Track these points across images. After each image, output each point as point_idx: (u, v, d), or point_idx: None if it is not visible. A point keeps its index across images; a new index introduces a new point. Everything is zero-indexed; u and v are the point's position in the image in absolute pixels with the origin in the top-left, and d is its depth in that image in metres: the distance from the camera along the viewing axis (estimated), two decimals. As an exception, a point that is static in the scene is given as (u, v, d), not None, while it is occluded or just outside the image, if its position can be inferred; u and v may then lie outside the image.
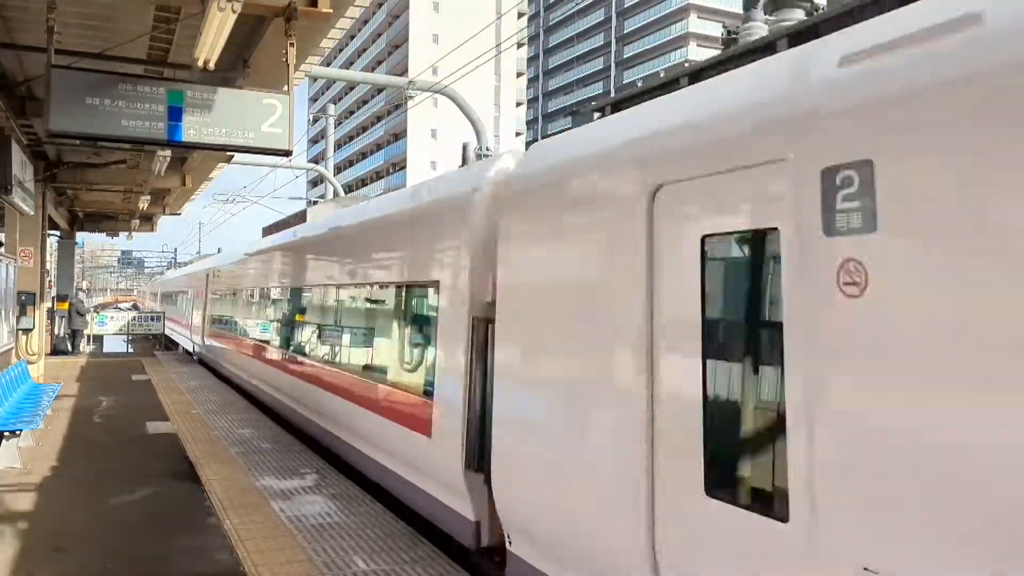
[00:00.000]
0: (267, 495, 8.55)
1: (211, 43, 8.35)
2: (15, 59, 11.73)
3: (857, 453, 3.05)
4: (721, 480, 3.80)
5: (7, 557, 6.53)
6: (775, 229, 3.53)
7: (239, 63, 11.11)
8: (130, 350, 30.95)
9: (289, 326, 13.24)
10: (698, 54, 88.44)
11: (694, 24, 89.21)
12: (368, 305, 9.30)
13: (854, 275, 3.14)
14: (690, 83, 4.99)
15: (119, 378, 19.68)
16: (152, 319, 31.42)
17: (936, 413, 2.77)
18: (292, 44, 9.16)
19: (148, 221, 32.50)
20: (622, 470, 4.40)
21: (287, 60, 9.23)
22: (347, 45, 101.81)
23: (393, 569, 6.32)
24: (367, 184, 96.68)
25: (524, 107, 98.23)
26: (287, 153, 9.54)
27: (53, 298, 28.17)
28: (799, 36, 4.20)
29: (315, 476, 9.45)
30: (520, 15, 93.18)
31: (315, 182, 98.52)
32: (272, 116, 9.19)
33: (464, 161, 10.55)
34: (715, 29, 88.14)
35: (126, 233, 36.89)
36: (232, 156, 17.97)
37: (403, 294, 8.28)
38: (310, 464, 10.12)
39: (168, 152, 14.86)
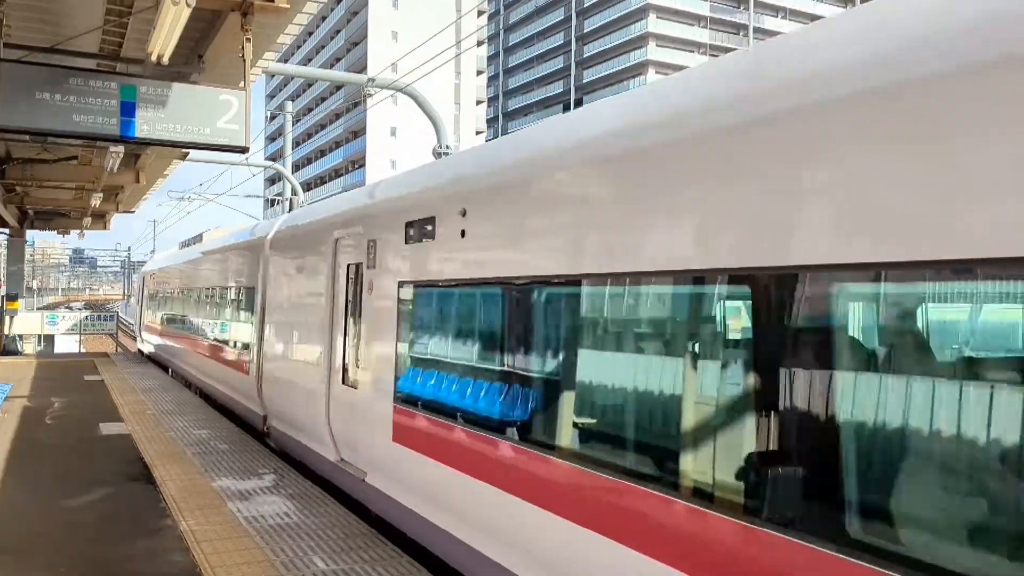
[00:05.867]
0: (224, 496, 8.45)
1: (165, 37, 8.21)
2: (-39, 52, 11.42)
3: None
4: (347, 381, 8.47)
5: (-46, 563, 6.37)
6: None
7: (194, 58, 10.95)
8: (82, 350, 30.36)
9: None
10: (658, 54, 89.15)
11: (653, 24, 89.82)
12: None
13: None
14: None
15: (71, 378, 19.28)
16: (104, 319, 30.80)
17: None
18: (248, 39, 9.06)
19: (101, 219, 31.84)
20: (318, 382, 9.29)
21: (243, 56, 9.13)
22: (305, 41, 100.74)
23: (353, 569, 6.29)
24: (326, 182, 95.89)
25: (484, 105, 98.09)
26: (244, 150, 9.44)
27: (3, 297, 27.52)
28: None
29: (273, 476, 9.36)
30: (480, 13, 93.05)
31: (273, 180, 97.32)
32: (228, 112, 9.07)
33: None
34: (674, 29, 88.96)
35: (78, 231, 36.09)
36: (187, 153, 17.71)
37: None
38: (268, 464, 10.02)
39: (121, 148, 14.57)
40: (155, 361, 24.29)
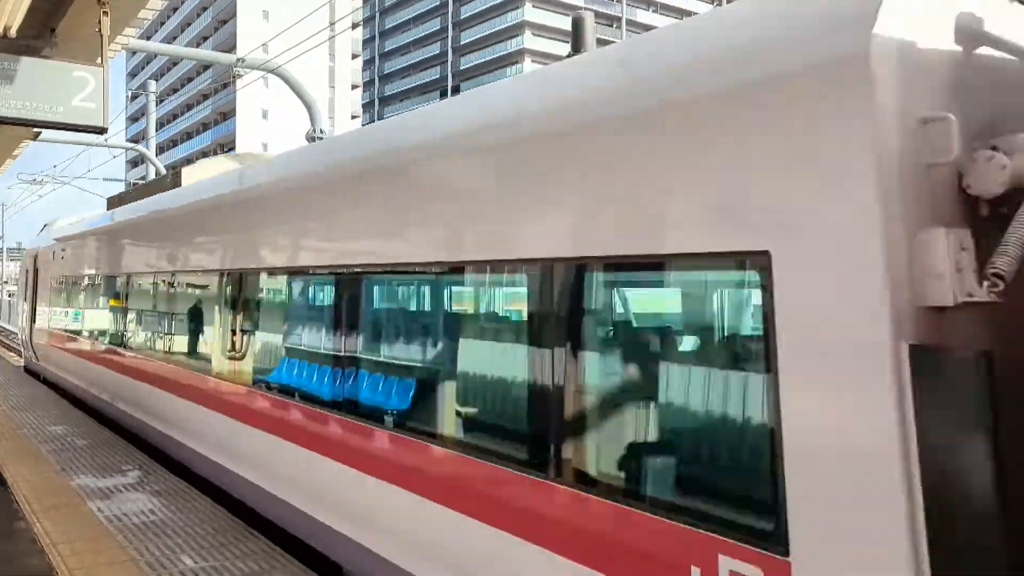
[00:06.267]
0: (83, 494, 8.03)
1: (12, 8, 7.68)
2: None
3: None
4: None
5: None
6: None
7: (46, 31, 10.25)
8: (-79, 344, 28.24)
9: None
10: (533, 43, 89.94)
11: (529, 13, 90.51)
12: None
13: None
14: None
15: (-92, 375, 17.86)
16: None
17: None
18: (105, 13, 8.57)
19: (-59, 202, 29.56)
20: None
21: (100, 31, 8.63)
22: (169, 18, 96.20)
23: (224, 565, 6.11)
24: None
25: (360, 90, 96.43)
26: (102, 130, 8.94)
27: None
28: None
29: (137, 473, 8.97)
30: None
31: (135, 162, 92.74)
32: (84, 90, 8.56)
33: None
34: (550, 18, 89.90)
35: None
36: (39, 133, 16.62)
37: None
38: (132, 460, 9.59)
39: (-37, 126, 13.54)
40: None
